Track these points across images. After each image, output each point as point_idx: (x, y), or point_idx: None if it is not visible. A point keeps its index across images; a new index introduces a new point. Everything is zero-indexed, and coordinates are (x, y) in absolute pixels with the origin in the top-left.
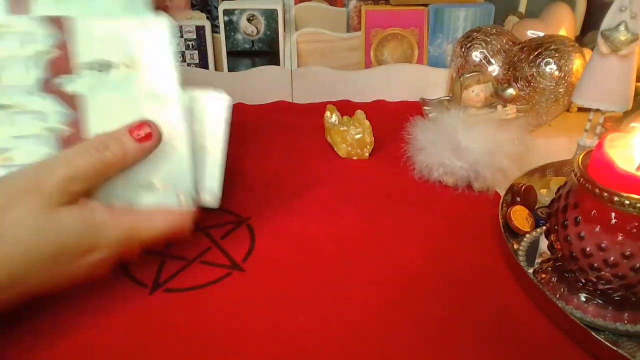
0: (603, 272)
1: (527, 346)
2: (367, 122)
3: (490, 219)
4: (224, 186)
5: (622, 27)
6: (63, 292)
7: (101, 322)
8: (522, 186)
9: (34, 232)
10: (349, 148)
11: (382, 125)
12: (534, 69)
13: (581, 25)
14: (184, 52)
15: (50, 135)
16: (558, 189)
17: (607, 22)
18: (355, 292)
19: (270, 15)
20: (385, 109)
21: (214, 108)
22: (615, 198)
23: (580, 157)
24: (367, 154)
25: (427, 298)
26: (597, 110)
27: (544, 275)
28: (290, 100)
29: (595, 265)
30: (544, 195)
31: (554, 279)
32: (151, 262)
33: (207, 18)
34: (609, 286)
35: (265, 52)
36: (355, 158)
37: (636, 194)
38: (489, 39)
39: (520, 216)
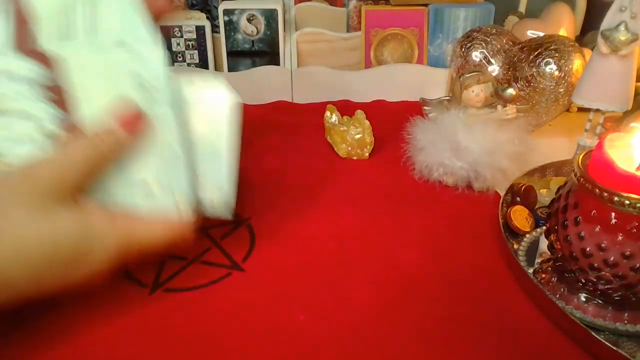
0: (603, 272)
1: (527, 346)
2: (367, 122)
3: (490, 219)
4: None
5: (622, 27)
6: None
7: (101, 322)
8: (522, 186)
9: (29, 228)
10: (349, 148)
11: (382, 125)
12: (534, 69)
13: (581, 25)
14: (184, 52)
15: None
16: (558, 189)
17: (607, 22)
18: (355, 292)
19: (270, 15)
20: (385, 109)
21: (218, 107)
22: (615, 198)
23: (580, 157)
24: (367, 154)
25: (427, 298)
26: (597, 110)
27: (544, 275)
28: (290, 100)
29: (595, 265)
30: (544, 195)
31: (554, 279)
32: (151, 262)
33: (207, 18)
34: (609, 286)
35: (265, 52)
36: (355, 158)
37: (636, 194)
38: (489, 39)
39: (520, 216)
